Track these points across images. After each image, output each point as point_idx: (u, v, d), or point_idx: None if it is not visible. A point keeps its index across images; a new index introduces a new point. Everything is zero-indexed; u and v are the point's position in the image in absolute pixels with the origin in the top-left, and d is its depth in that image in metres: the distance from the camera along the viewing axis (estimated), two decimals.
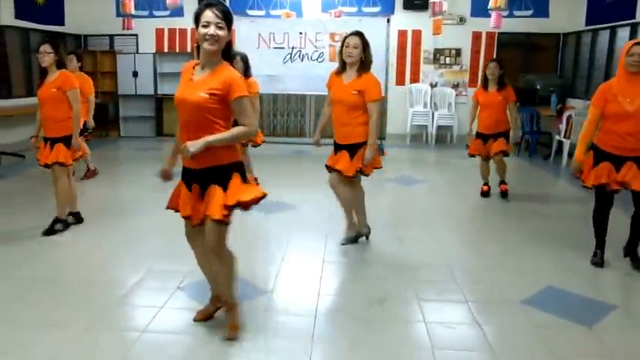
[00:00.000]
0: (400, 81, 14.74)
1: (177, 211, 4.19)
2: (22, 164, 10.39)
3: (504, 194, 8.56)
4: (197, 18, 3.84)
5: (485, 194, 8.64)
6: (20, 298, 4.91)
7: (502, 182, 8.63)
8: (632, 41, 5.43)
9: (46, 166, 6.56)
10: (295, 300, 5.04)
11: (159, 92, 14.62)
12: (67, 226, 6.76)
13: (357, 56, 5.83)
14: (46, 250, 6.15)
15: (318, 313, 4.68)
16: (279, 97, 13.16)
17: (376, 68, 11.79)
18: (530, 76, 13.87)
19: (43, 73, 6.56)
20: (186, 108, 3.93)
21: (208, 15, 3.79)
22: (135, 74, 14.57)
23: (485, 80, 8.33)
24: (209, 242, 4.08)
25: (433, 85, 14.50)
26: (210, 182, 3.98)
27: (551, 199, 8.87)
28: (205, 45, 3.82)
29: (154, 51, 15.03)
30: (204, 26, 3.79)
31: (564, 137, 11.15)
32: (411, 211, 8.14)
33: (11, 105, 11.69)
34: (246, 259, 5.91)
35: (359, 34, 5.89)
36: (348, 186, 6.19)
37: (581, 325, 4.55)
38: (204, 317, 4.54)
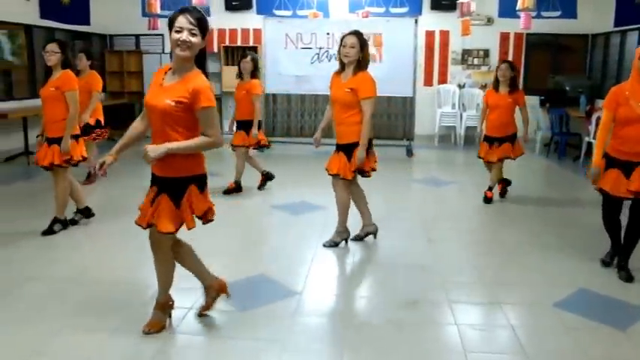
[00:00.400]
0: (428, 82, 14.71)
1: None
2: None
3: (488, 200, 8.36)
4: (171, 23, 3.83)
5: (501, 194, 8.61)
6: (51, 297, 4.93)
7: (490, 189, 8.44)
8: None
9: (46, 168, 6.53)
10: (325, 301, 5.03)
11: None
12: (65, 226, 6.77)
13: (354, 56, 5.79)
14: (74, 251, 6.19)
15: (348, 315, 4.67)
16: (306, 97, 13.11)
17: (404, 69, 12.01)
18: (558, 77, 13.77)
19: (48, 72, 6.57)
20: (153, 114, 3.95)
21: (182, 21, 3.78)
22: None
23: (497, 82, 8.18)
24: (152, 242, 4.21)
25: (461, 86, 14.42)
26: (164, 191, 4.02)
27: (581, 201, 8.76)
28: (177, 51, 3.81)
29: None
30: (177, 32, 3.77)
31: (594, 138, 11.02)
32: (440, 212, 8.09)
33: (37, 104, 11.73)
34: (275, 259, 5.93)
35: (356, 34, 5.86)
36: (344, 188, 6.19)
37: (614, 328, 4.49)
38: (206, 310, 4.64)
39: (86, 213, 7.05)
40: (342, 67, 5.97)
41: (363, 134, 5.86)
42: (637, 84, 5.29)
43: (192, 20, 3.77)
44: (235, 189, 8.63)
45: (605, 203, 5.69)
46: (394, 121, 13.24)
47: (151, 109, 3.95)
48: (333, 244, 6.34)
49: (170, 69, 4.02)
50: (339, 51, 5.94)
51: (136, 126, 4.31)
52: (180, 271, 4.51)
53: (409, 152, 12.47)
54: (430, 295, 5.09)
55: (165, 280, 4.38)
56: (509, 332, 4.41)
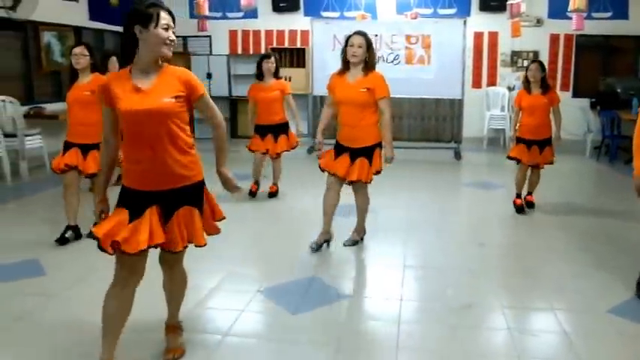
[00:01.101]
0: (477, 84, 14.57)
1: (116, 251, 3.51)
2: None
3: (532, 204, 8.20)
4: (150, 17, 3.41)
5: (520, 209, 8.10)
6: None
7: (530, 193, 8.28)
8: None
9: (92, 175, 6.33)
10: (377, 305, 5.02)
11: (233, 94, 14.70)
12: None
13: (362, 55, 5.78)
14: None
15: (401, 319, 4.63)
16: None
17: (452, 71, 11.92)
18: (610, 79, 13.56)
19: (74, 75, 6.46)
20: (143, 119, 3.44)
21: (167, 17, 3.46)
22: (209, 76, 14.63)
23: (528, 83, 7.92)
24: (175, 261, 3.88)
25: (511, 88, 14.21)
26: (183, 204, 3.60)
27: (634, 206, 8.61)
28: (164, 50, 3.46)
29: (227, 52, 15.17)
30: (166, 29, 3.44)
31: None
32: (490, 216, 8.01)
33: None
34: (326, 262, 5.94)
35: (363, 34, 5.83)
36: (367, 191, 6.23)
37: None
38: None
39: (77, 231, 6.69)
40: (345, 67, 5.94)
41: (389, 135, 5.89)
42: None
43: (171, 17, 3.51)
44: (277, 191, 8.68)
45: None
46: (442, 123, 13.21)
47: (138, 114, 3.43)
48: (353, 243, 6.43)
49: (129, 71, 3.55)
50: (344, 51, 5.90)
51: (110, 155, 3.74)
52: (233, 269, 4.54)
53: (457, 155, 12.39)
54: (482, 299, 5.06)
55: (180, 300, 4.11)
56: (562, 338, 4.36)
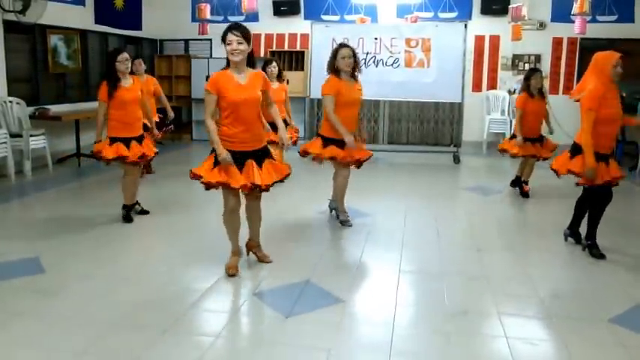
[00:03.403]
0: (477, 87, 14.50)
1: (225, 186, 5.20)
2: (98, 165, 10.42)
3: (527, 194, 9.06)
4: (224, 39, 5.11)
5: (526, 194, 9.07)
6: (102, 297, 4.98)
7: (526, 183, 9.15)
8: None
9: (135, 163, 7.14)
10: (372, 310, 4.93)
11: None
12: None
13: (352, 65, 6.79)
14: (123, 251, 6.28)
15: (396, 324, 4.54)
16: None
17: (453, 74, 11.84)
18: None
19: (115, 79, 6.92)
20: (248, 105, 5.18)
21: (232, 37, 5.05)
22: (207, 78, 14.56)
23: (529, 88, 8.71)
24: (254, 198, 5.58)
25: (511, 92, 14.10)
26: (265, 157, 5.38)
27: (638, 211, 8.54)
28: (231, 57, 5.12)
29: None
30: (229, 44, 5.07)
31: None
32: (488, 221, 7.90)
33: (89, 108, 11.82)
34: (320, 266, 5.88)
35: (349, 47, 6.86)
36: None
37: None
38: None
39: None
40: (338, 74, 6.81)
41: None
42: None
43: (240, 32, 5.04)
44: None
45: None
46: (441, 126, 13.12)
47: (245, 102, 5.14)
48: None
49: (228, 71, 5.23)
50: (336, 60, 6.80)
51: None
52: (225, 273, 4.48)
53: (456, 159, 12.31)
54: (479, 305, 4.97)
55: (259, 224, 5.80)
56: (561, 347, 4.25)
